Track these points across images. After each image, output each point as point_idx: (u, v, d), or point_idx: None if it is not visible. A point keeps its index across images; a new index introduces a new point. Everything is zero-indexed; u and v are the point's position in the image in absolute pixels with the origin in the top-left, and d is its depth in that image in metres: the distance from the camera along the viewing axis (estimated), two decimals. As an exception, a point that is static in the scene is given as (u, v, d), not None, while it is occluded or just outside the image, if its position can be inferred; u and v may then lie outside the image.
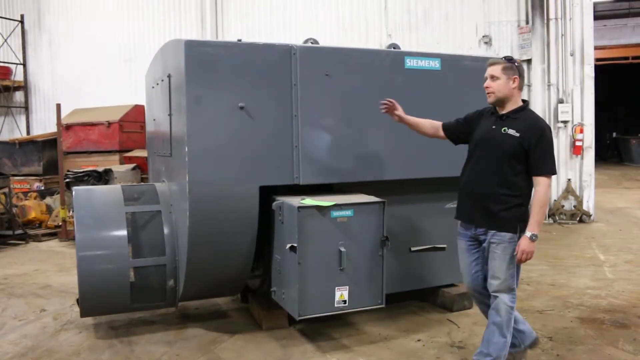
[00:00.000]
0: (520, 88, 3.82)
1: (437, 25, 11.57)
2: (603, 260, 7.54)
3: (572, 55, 10.56)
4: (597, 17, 14.35)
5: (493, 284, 3.79)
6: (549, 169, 3.68)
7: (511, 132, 3.71)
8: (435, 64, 5.05)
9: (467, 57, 5.37)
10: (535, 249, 3.68)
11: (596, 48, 12.07)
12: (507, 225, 3.71)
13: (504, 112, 3.81)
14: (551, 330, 4.88)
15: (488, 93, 3.82)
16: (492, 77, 3.78)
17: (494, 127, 3.81)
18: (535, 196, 3.68)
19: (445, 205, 5.42)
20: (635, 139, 25.57)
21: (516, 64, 3.80)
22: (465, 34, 11.36)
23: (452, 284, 5.62)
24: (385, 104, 4.29)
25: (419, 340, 4.73)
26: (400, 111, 4.28)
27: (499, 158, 3.72)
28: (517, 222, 3.70)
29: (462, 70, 5.18)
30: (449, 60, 5.13)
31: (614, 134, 28.42)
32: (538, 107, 10.67)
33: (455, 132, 4.16)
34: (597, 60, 12.50)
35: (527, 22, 10.88)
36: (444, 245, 5.41)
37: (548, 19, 10.59)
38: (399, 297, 5.40)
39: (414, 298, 5.69)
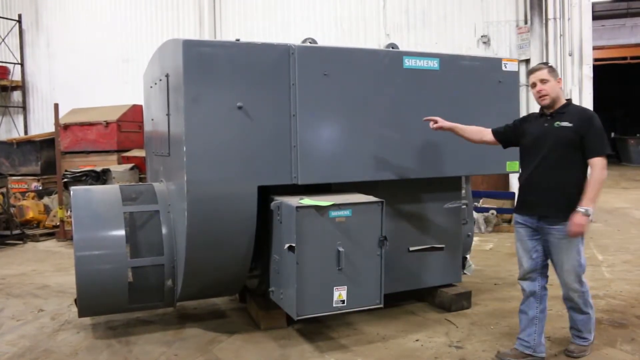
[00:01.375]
0: (561, 88, 4.20)
1: (435, 25, 11.57)
2: (601, 260, 7.54)
3: (570, 55, 10.55)
4: (595, 17, 14.37)
5: (563, 276, 4.10)
6: (603, 150, 3.95)
7: (564, 124, 4.01)
8: (433, 64, 5.04)
9: (465, 57, 5.37)
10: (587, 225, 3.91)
11: (594, 48, 12.08)
12: (568, 215, 3.90)
13: (552, 111, 4.11)
14: (549, 329, 4.87)
15: (542, 96, 4.08)
16: (543, 81, 4.06)
17: (546, 124, 4.10)
18: (593, 175, 3.93)
19: (444, 205, 5.43)
20: (634, 139, 25.61)
21: (554, 67, 4.20)
22: (463, 34, 11.36)
23: (451, 284, 5.62)
24: (430, 120, 4.62)
25: (417, 340, 4.73)
26: (440, 123, 4.57)
27: (557, 150, 4.01)
28: None
29: (460, 70, 5.18)
30: (447, 60, 5.13)
31: (612, 134, 28.42)
32: (536, 107, 10.60)
33: (506, 135, 4.42)
34: (595, 60, 12.52)
35: (526, 22, 10.88)
36: (442, 245, 5.41)
37: (546, 19, 10.59)
38: (397, 297, 5.40)
39: (412, 298, 5.69)
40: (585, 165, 4.00)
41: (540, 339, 4.20)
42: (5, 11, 15.84)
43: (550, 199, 4.02)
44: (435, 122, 4.58)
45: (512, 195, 10.62)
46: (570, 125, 3.98)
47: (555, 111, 4.09)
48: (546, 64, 4.21)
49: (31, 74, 15.82)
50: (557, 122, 4.03)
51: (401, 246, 5.21)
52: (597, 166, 3.92)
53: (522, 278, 4.28)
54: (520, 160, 4.35)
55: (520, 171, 4.35)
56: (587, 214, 3.85)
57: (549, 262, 4.23)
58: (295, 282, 4.16)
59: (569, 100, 4.14)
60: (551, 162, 4.03)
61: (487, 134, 4.52)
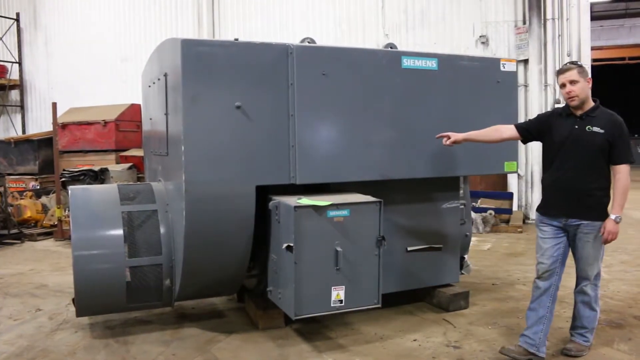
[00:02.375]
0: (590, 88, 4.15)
1: (434, 25, 11.58)
2: (599, 261, 7.54)
3: (569, 55, 10.57)
4: (594, 18, 14.38)
5: (586, 270, 4.20)
6: (629, 157, 4.07)
7: (596, 129, 4.03)
8: (432, 64, 5.04)
9: (464, 57, 5.37)
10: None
11: (593, 49, 12.11)
12: (600, 215, 4.07)
13: (582, 112, 4.11)
14: (547, 330, 4.88)
15: (571, 97, 4.07)
16: (572, 82, 4.05)
17: (576, 127, 4.09)
18: (618, 183, 4.04)
19: (442, 205, 5.43)
20: (632, 139, 25.65)
21: (584, 67, 4.17)
22: (462, 34, 11.37)
23: (448, 284, 5.63)
24: (443, 137, 4.63)
25: (415, 340, 4.74)
26: (459, 137, 4.56)
27: (589, 155, 4.04)
28: (605, 211, 4.12)
29: (459, 70, 5.18)
30: (446, 60, 5.13)
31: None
32: (535, 107, 10.69)
33: (529, 130, 4.41)
34: (594, 60, 12.55)
35: (524, 23, 10.90)
36: (440, 245, 5.41)
37: (545, 20, 10.61)
38: (395, 297, 5.39)
39: (410, 298, 5.69)
40: (609, 169, 4.08)
41: (545, 340, 4.22)
42: (3, 10, 15.82)
43: (579, 201, 4.08)
44: (448, 137, 4.58)
45: (510, 195, 10.64)
46: (602, 131, 4.01)
47: (586, 113, 4.09)
48: (575, 63, 4.19)
49: (29, 73, 15.80)
50: (589, 127, 4.05)
51: (399, 246, 5.21)
52: (623, 173, 4.03)
53: (540, 276, 4.29)
54: (545, 157, 4.34)
55: (545, 170, 4.33)
56: (619, 221, 4.02)
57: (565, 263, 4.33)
58: (294, 282, 4.16)
59: (596, 101, 4.13)
60: (582, 167, 4.07)
61: (506, 130, 4.49)
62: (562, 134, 4.15)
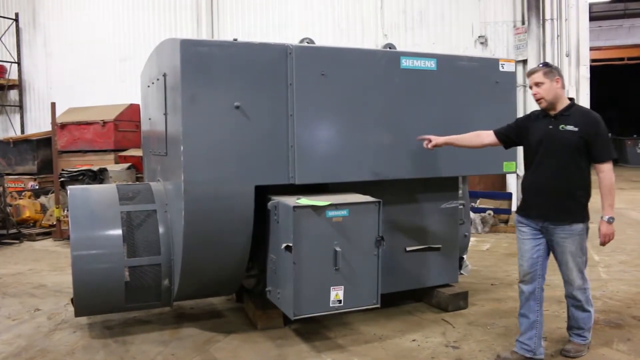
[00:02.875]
0: (563, 87, 4.10)
1: (432, 26, 11.58)
2: (597, 261, 7.56)
3: (567, 56, 10.58)
4: (592, 18, 14.39)
5: (568, 274, 4.14)
6: (610, 154, 4.00)
7: (570, 128, 3.98)
8: (431, 64, 5.05)
9: (462, 57, 5.37)
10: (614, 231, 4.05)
11: (592, 49, 12.11)
12: (577, 218, 4.02)
13: (555, 112, 4.08)
14: (545, 330, 4.87)
15: (538, 100, 4.08)
16: (537, 84, 4.05)
17: (550, 127, 4.06)
18: (603, 182, 3.98)
19: (441, 206, 5.43)
20: (631, 140, 25.69)
21: (553, 66, 4.14)
22: (461, 35, 11.38)
23: (447, 284, 5.63)
24: (424, 140, 4.63)
25: (414, 340, 4.74)
26: (439, 141, 4.58)
27: (564, 155, 4.00)
28: (585, 213, 4.08)
29: (457, 70, 5.18)
30: (444, 61, 5.13)
31: (609, 135, 28.46)
32: (533, 108, 10.61)
33: (507, 135, 4.39)
34: (592, 61, 12.55)
35: (523, 23, 10.90)
36: (439, 246, 5.42)
37: (544, 20, 10.61)
38: (394, 297, 5.40)
39: (409, 298, 5.70)
40: (589, 168, 4.02)
41: (540, 341, 4.21)
42: (2, 10, 15.81)
43: (556, 202, 4.03)
44: (430, 140, 4.58)
45: (509, 195, 10.63)
46: (575, 129, 3.96)
47: (559, 113, 4.06)
48: (546, 64, 4.16)
49: (28, 73, 15.79)
50: (562, 125, 4.01)
51: (398, 246, 5.22)
52: (606, 171, 3.97)
53: (522, 279, 4.26)
54: (524, 160, 4.30)
55: (524, 172, 4.31)
56: (611, 222, 4.01)
57: (547, 264, 4.26)
58: (292, 282, 4.16)
59: (572, 100, 4.12)
60: (557, 167, 4.02)
61: (486, 136, 4.48)
62: (538, 135, 4.12)
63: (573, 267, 4.10)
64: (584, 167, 4.03)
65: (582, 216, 4.07)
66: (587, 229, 4.13)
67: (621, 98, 29.69)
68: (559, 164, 4.01)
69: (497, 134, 4.44)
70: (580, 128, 3.96)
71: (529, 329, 4.19)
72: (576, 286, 4.15)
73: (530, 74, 4.12)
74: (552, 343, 4.60)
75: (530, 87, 4.13)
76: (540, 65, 4.14)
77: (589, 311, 4.26)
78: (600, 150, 3.96)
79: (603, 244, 4.07)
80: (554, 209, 4.04)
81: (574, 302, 4.24)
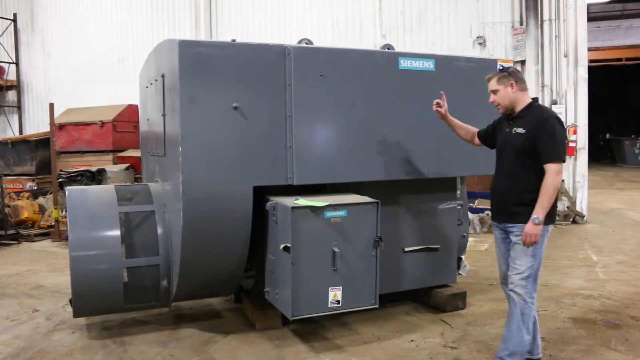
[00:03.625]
0: (521, 89, 4.03)
1: (431, 26, 11.59)
2: (596, 261, 7.57)
3: (565, 56, 10.60)
4: (590, 19, 14.41)
5: (510, 276, 4.00)
6: (556, 155, 3.81)
7: (519, 130, 3.95)
8: (429, 65, 5.05)
9: (461, 58, 5.38)
10: (540, 233, 3.80)
11: (590, 49, 12.13)
12: (526, 218, 3.85)
13: (514, 115, 4.05)
14: (544, 330, 4.89)
15: (497, 106, 4.10)
16: (493, 92, 4.07)
17: (507, 130, 4.07)
18: (544, 182, 3.81)
19: (439, 206, 5.44)
20: (629, 140, 25.68)
21: (509, 70, 4.09)
22: (459, 35, 11.38)
23: (446, 284, 5.63)
24: (437, 103, 4.56)
25: (412, 341, 4.74)
26: (445, 108, 4.55)
27: (512, 157, 3.99)
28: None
29: (456, 71, 5.19)
30: (443, 61, 5.14)
31: (608, 135, 28.50)
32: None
33: (487, 138, 4.41)
34: (590, 61, 12.58)
35: (521, 24, 10.91)
36: (437, 246, 5.42)
37: (542, 21, 10.63)
38: (392, 297, 5.40)
39: (408, 298, 5.70)
40: (542, 170, 3.82)
41: (536, 341, 4.17)
42: (1, 10, 15.79)
43: (506, 204, 4.00)
44: (440, 105, 4.54)
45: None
46: (523, 131, 3.92)
47: (516, 115, 4.03)
48: (503, 69, 4.15)
49: (26, 74, 15.78)
50: (514, 128, 3.98)
51: (396, 247, 5.22)
52: (549, 172, 3.78)
53: (502, 281, 4.24)
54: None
55: None
56: (538, 223, 3.75)
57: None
58: (291, 283, 4.16)
59: (533, 100, 4.06)
60: (509, 169, 4.01)
61: (474, 135, 4.54)
62: (499, 138, 4.17)
63: (518, 267, 3.91)
64: (534, 169, 3.86)
65: (527, 217, 3.86)
66: (547, 232, 3.92)
67: (619, 99, 29.69)
68: (508, 167, 4.03)
69: (479, 135, 4.48)
70: (527, 129, 3.90)
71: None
72: (516, 292, 3.91)
73: (487, 81, 4.13)
74: (550, 343, 4.60)
75: (490, 95, 4.15)
76: (497, 72, 4.12)
77: (521, 332, 3.90)
78: (543, 150, 3.81)
79: (523, 243, 3.83)
80: (506, 210, 4.03)
81: (512, 312, 3.96)
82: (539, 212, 3.77)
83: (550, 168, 3.79)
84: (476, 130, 4.52)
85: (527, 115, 3.97)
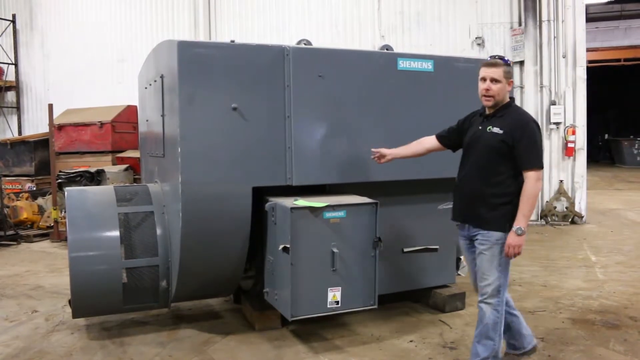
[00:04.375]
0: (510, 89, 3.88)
1: (430, 27, 11.59)
2: (594, 262, 7.58)
3: (564, 57, 10.61)
4: (589, 20, 14.43)
5: (480, 286, 3.79)
6: (536, 162, 3.64)
7: (495, 130, 3.71)
8: (428, 66, 5.06)
9: (460, 58, 5.39)
10: (524, 244, 3.64)
11: (588, 50, 12.15)
12: (494, 225, 3.69)
13: (490, 112, 3.82)
14: (543, 331, 4.90)
15: (488, 96, 3.74)
16: (494, 80, 3.71)
17: (480, 127, 3.84)
18: (524, 190, 3.62)
19: (438, 207, 5.44)
20: (627, 140, 25.71)
21: (509, 63, 3.83)
22: (458, 36, 11.39)
23: (445, 284, 5.64)
24: (375, 157, 4.47)
25: (411, 341, 4.74)
26: (387, 156, 4.43)
27: (483, 157, 3.75)
28: (505, 222, 3.67)
29: (455, 71, 5.19)
30: (441, 62, 5.15)
31: (606, 136, 28.55)
32: (530, 108, 10.70)
33: (450, 138, 4.19)
34: (589, 62, 12.60)
35: (520, 24, 10.92)
36: (437, 247, 5.42)
37: (541, 21, 10.64)
38: (391, 298, 5.41)
39: (407, 299, 5.70)
40: (516, 175, 3.68)
41: (524, 337, 4.04)
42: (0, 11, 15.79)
43: (474, 208, 3.78)
44: (382, 156, 4.40)
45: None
46: (500, 132, 3.67)
47: (493, 113, 3.79)
48: (503, 59, 3.81)
49: (25, 74, 15.75)
50: (490, 127, 3.74)
51: (395, 247, 5.22)
52: (530, 179, 3.60)
53: (474, 289, 4.03)
54: (460, 161, 4.06)
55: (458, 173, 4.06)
56: (521, 234, 3.59)
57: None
58: (290, 283, 4.17)
59: (511, 100, 3.83)
60: (478, 170, 3.77)
61: (428, 141, 4.29)
62: (469, 136, 3.91)
63: (488, 277, 3.73)
64: (505, 173, 3.69)
65: (500, 226, 3.68)
66: None
67: (618, 99, 29.71)
68: (478, 167, 3.77)
69: (440, 137, 4.24)
70: (505, 131, 3.66)
71: (507, 329, 3.97)
72: (488, 299, 3.74)
73: (489, 65, 3.75)
74: (549, 344, 4.61)
75: (483, 80, 3.76)
76: (500, 59, 3.79)
77: (492, 339, 3.77)
78: (523, 155, 3.63)
79: (507, 255, 3.64)
80: (471, 213, 3.82)
81: (482, 321, 3.80)
82: (522, 221, 3.60)
83: (531, 175, 3.61)
84: (430, 137, 4.28)
85: (505, 115, 3.75)
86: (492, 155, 3.71)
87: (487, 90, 3.73)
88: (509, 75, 3.75)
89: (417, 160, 4.99)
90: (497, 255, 3.69)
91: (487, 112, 3.84)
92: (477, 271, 3.85)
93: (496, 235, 3.69)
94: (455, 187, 4.03)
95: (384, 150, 4.42)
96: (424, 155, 4.43)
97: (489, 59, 3.91)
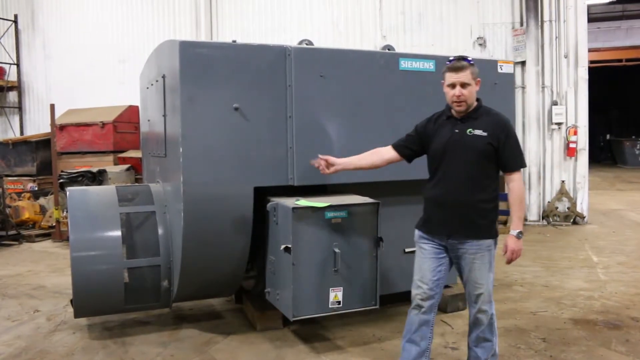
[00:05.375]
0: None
1: (431, 27, 11.59)
2: (596, 262, 7.57)
3: (566, 57, 10.60)
4: (591, 20, 14.42)
5: (474, 294, 3.64)
6: (521, 163, 3.59)
7: (478, 132, 3.53)
8: (429, 66, 5.06)
9: (461, 59, 5.37)
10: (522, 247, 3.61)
11: (590, 50, 12.13)
12: (486, 232, 3.57)
13: (463, 115, 3.61)
14: (544, 331, 4.90)
15: (460, 102, 3.53)
16: (464, 85, 3.51)
17: (456, 130, 3.59)
18: (514, 193, 3.54)
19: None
20: (629, 141, 25.68)
21: (471, 61, 3.58)
22: (459, 36, 11.39)
23: (447, 285, 5.62)
24: (319, 166, 4.07)
25: (413, 341, 4.74)
26: (336, 166, 4.02)
27: (470, 162, 3.53)
28: (494, 227, 3.61)
29: (456, 72, 5.18)
30: (443, 62, 5.07)
31: (608, 136, 28.52)
32: (532, 109, 10.72)
33: (408, 147, 3.86)
34: (591, 62, 12.60)
35: (522, 24, 10.91)
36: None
37: (542, 21, 10.63)
38: (393, 298, 5.40)
39: (408, 299, 5.67)
40: (497, 177, 3.60)
41: None
42: (1, 12, 15.80)
43: (463, 217, 3.54)
44: (329, 165, 4.00)
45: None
46: (485, 134, 3.51)
47: (467, 115, 3.59)
48: (466, 59, 3.56)
49: (27, 75, 15.78)
50: (470, 130, 3.54)
51: (397, 247, 5.22)
52: (517, 181, 3.54)
53: (418, 305, 3.72)
54: (428, 168, 3.78)
55: (428, 182, 3.78)
56: (520, 237, 3.55)
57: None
58: (291, 283, 4.16)
59: (479, 100, 3.64)
60: (464, 176, 3.53)
61: (386, 152, 3.95)
62: (442, 141, 3.61)
63: (482, 285, 3.60)
64: (493, 177, 3.58)
65: (491, 232, 3.59)
66: (496, 244, 3.64)
67: (619, 99, 29.70)
68: (465, 174, 3.52)
69: (397, 147, 3.90)
70: (489, 133, 3.50)
71: (419, 357, 3.73)
72: (482, 310, 3.64)
73: (456, 69, 3.52)
74: (551, 344, 4.61)
75: (452, 86, 3.55)
76: (467, 62, 3.55)
77: (490, 341, 3.70)
78: (510, 157, 3.53)
79: (510, 261, 3.57)
80: (460, 224, 3.55)
81: (478, 333, 3.70)
82: (519, 225, 3.54)
83: (518, 176, 3.55)
84: (386, 148, 3.94)
85: (482, 116, 3.59)
86: (479, 159, 3.53)
87: (459, 96, 3.52)
88: (476, 75, 3.56)
89: (420, 161, 4.99)
90: (488, 261, 3.59)
91: (458, 115, 3.62)
92: (465, 280, 3.67)
93: (487, 242, 3.57)
94: (434, 197, 3.66)
95: (332, 159, 3.99)
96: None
97: (450, 61, 3.61)
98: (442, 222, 3.63)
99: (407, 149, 3.87)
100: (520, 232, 3.55)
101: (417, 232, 3.82)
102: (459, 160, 3.54)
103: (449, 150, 3.58)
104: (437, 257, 3.68)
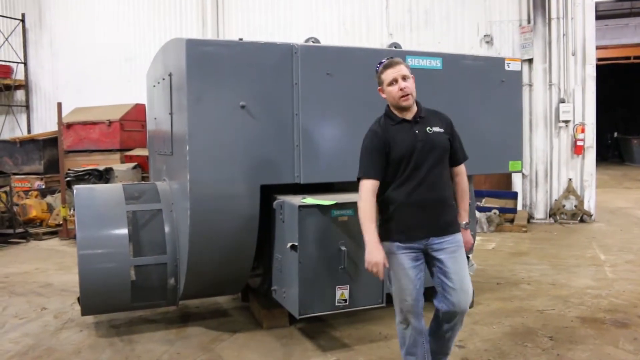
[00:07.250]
0: None
1: (438, 25, 11.57)
2: (604, 260, 7.53)
3: (573, 55, 10.55)
4: (598, 17, 14.32)
5: (461, 294, 3.47)
6: (466, 155, 3.69)
7: (436, 129, 3.48)
8: (436, 63, 5.05)
9: (468, 56, 5.37)
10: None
11: (598, 48, 12.06)
12: (457, 227, 3.56)
13: (412, 114, 3.50)
14: (552, 329, 4.88)
15: (406, 95, 3.40)
16: (405, 77, 3.42)
17: (416, 131, 3.45)
18: (462, 185, 3.64)
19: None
20: (636, 139, 25.58)
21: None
22: (466, 34, 11.36)
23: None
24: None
25: (419, 340, 4.73)
26: (384, 260, 3.46)
27: (439, 159, 3.47)
28: (457, 222, 3.61)
29: (463, 69, 5.18)
30: (450, 60, 5.13)
31: (615, 134, 28.40)
32: (539, 106, 10.68)
33: (381, 169, 3.50)
34: (598, 60, 12.50)
35: (529, 22, 10.87)
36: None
37: (550, 19, 10.59)
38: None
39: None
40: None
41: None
42: (9, 10, 15.87)
43: (440, 215, 3.46)
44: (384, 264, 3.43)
45: (515, 194, 10.62)
46: (441, 130, 3.49)
47: (417, 114, 3.49)
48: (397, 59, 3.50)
49: (34, 73, 15.85)
50: (429, 128, 3.46)
51: (403, 245, 5.20)
52: (463, 173, 3.63)
53: (405, 319, 3.55)
54: (389, 174, 3.48)
55: (391, 188, 3.49)
56: (467, 228, 3.62)
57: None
58: (298, 281, 4.16)
59: (417, 101, 3.55)
60: (434, 175, 3.44)
61: (373, 191, 3.53)
62: (406, 144, 3.42)
63: (467, 285, 3.50)
64: (448, 172, 3.58)
65: (458, 227, 3.57)
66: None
67: (627, 97, 29.56)
68: (433, 172, 3.43)
69: (377, 175, 3.50)
70: (444, 129, 3.50)
71: None
72: (463, 310, 3.53)
73: (393, 65, 3.44)
74: (558, 342, 4.59)
75: (394, 81, 3.42)
76: (394, 58, 3.53)
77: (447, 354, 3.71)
78: (459, 150, 3.60)
79: (467, 251, 3.60)
80: (437, 222, 3.45)
81: (458, 329, 3.64)
82: (466, 216, 3.65)
83: (464, 169, 3.66)
84: (369, 187, 3.51)
85: (429, 114, 3.54)
86: (444, 155, 3.51)
87: (404, 89, 3.40)
88: (410, 71, 3.49)
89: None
90: (464, 256, 3.53)
91: (406, 116, 3.49)
92: (449, 283, 3.47)
93: (459, 235, 3.53)
94: (407, 200, 3.44)
95: (381, 258, 3.39)
96: None
97: (381, 63, 3.53)
98: (422, 224, 3.45)
99: (381, 172, 3.51)
100: (467, 223, 3.66)
101: (390, 244, 3.48)
102: (429, 160, 3.43)
103: (417, 151, 3.42)
104: (416, 264, 3.48)
